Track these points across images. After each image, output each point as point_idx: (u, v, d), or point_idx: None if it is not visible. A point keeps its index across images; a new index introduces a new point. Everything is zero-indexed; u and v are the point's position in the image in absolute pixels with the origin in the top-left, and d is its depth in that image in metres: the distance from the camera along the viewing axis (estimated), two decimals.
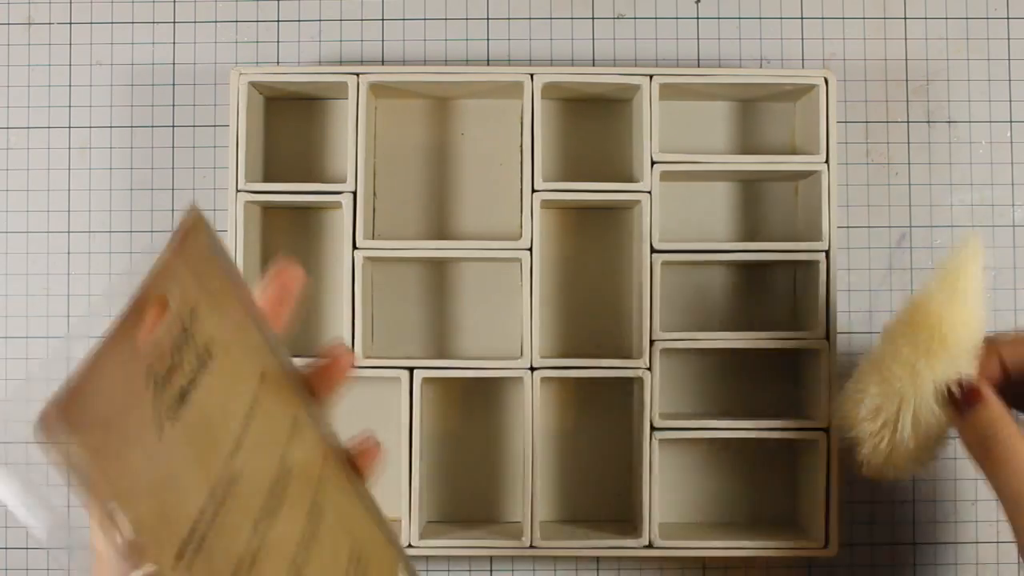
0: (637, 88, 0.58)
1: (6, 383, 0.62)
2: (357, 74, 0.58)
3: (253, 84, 0.58)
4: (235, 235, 0.57)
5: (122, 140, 0.63)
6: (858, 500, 0.62)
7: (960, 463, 0.62)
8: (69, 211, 0.63)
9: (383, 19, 0.63)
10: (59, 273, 0.62)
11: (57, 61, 0.63)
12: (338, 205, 0.59)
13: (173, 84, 0.63)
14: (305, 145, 0.62)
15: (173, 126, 0.63)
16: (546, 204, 0.59)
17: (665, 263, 0.59)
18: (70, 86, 0.63)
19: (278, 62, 0.63)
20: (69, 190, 0.63)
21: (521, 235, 0.58)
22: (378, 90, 0.60)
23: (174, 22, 0.63)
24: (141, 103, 0.63)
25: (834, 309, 0.58)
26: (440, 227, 0.62)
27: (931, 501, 0.62)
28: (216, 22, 0.63)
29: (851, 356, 0.62)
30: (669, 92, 0.60)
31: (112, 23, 0.63)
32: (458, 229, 0.62)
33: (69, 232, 0.63)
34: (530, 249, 0.57)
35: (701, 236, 0.62)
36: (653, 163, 0.58)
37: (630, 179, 0.60)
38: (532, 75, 0.58)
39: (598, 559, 0.62)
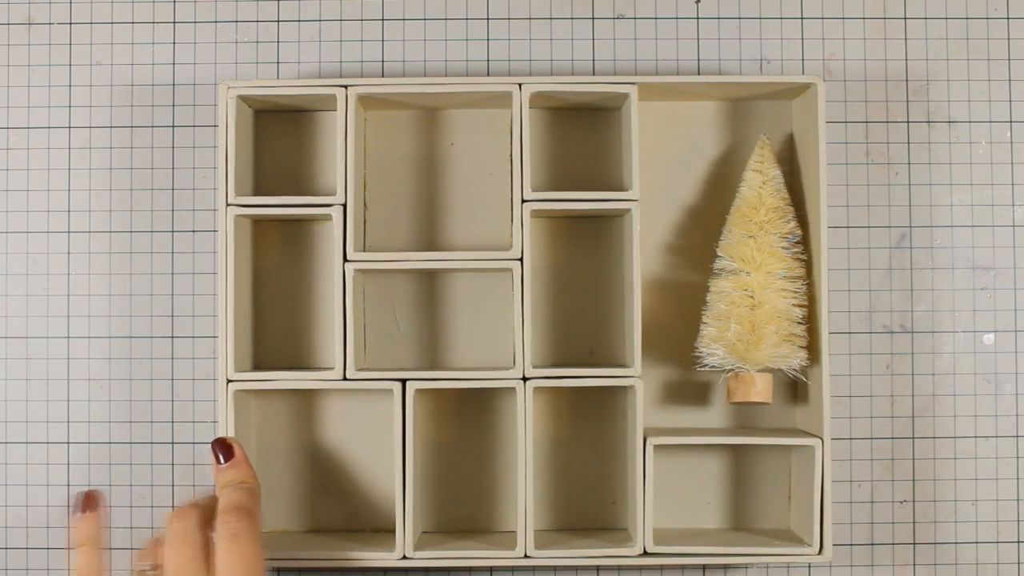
0: (626, 97, 0.58)
1: (6, 383, 0.62)
2: (345, 86, 0.57)
3: (242, 97, 0.58)
4: (225, 249, 0.57)
5: (122, 140, 0.63)
6: (858, 500, 0.62)
7: (960, 462, 0.62)
8: (69, 211, 0.63)
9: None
10: (59, 273, 0.62)
11: (57, 61, 0.63)
12: (328, 217, 0.58)
13: (173, 84, 0.63)
14: (295, 158, 0.62)
15: (173, 126, 0.63)
16: (536, 213, 0.59)
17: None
18: (70, 86, 0.63)
19: (277, 62, 0.63)
20: (69, 190, 0.63)
21: (512, 245, 0.57)
22: (367, 102, 0.60)
23: (174, 22, 0.63)
24: (141, 103, 0.63)
25: (827, 312, 0.58)
26: (431, 238, 0.62)
27: (931, 501, 0.62)
28: (216, 22, 0.63)
29: (850, 357, 0.62)
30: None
31: (112, 23, 0.63)
32: (449, 240, 0.62)
33: (69, 232, 0.63)
34: (521, 259, 0.57)
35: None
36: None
37: (620, 188, 0.60)
38: (520, 85, 0.57)
39: (598, 567, 0.62)
